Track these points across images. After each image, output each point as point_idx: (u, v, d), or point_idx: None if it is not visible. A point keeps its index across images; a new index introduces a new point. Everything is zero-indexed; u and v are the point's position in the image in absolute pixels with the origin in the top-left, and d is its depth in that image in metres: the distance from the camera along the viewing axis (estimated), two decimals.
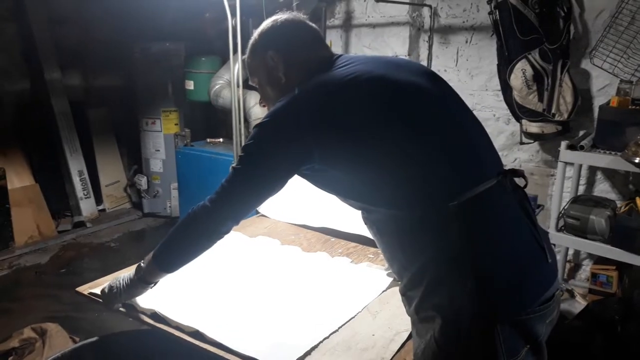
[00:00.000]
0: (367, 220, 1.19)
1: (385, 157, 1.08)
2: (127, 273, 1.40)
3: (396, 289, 1.52)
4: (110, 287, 1.40)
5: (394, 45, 3.48)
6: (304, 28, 1.30)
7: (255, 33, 1.32)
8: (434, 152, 1.08)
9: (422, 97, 1.16)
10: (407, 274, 1.12)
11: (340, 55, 1.26)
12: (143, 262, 1.35)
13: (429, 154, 1.08)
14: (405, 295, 1.17)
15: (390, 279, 1.60)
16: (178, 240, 1.28)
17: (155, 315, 1.37)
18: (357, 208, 1.20)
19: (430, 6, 3.34)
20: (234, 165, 1.20)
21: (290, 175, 1.18)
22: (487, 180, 1.08)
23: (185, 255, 1.30)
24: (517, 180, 1.15)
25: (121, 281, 1.39)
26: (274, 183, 1.19)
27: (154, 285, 1.38)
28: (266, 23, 1.31)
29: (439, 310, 1.05)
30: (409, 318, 1.19)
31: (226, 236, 1.27)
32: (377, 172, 1.09)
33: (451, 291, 1.04)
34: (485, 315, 1.02)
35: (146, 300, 1.41)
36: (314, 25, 1.33)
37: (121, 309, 1.42)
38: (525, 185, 1.16)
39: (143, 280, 1.35)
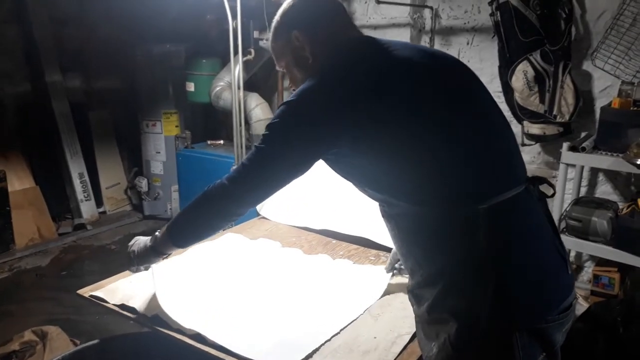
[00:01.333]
0: (385, 214, 1.15)
1: (416, 150, 1.03)
2: (146, 238, 1.38)
3: (398, 293, 1.52)
4: (128, 247, 1.39)
5: None
6: (325, 3, 1.24)
7: (277, 15, 1.25)
8: (466, 152, 1.05)
9: (464, 93, 1.12)
10: (421, 272, 1.09)
11: (372, 38, 1.20)
12: (159, 232, 1.33)
13: (460, 153, 1.04)
14: (413, 292, 1.15)
15: (390, 280, 1.59)
16: (192, 217, 1.26)
17: (157, 318, 1.36)
18: (377, 200, 1.15)
19: (431, 7, 3.34)
20: (256, 144, 1.13)
21: (314, 159, 1.11)
22: (517, 185, 1.05)
23: (198, 233, 1.28)
24: (542, 188, 1.12)
25: (136, 247, 1.37)
26: (298, 167, 1.12)
27: (167, 256, 1.37)
28: (286, 3, 1.25)
29: (455, 313, 1.03)
30: (411, 320, 1.18)
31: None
32: (405, 164, 1.04)
33: (471, 295, 1.02)
34: (504, 321, 1.01)
35: (147, 303, 1.41)
36: None
37: (139, 271, 1.41)
38: (554, 194, 1.12)
39: (156, 250, 1.34)
